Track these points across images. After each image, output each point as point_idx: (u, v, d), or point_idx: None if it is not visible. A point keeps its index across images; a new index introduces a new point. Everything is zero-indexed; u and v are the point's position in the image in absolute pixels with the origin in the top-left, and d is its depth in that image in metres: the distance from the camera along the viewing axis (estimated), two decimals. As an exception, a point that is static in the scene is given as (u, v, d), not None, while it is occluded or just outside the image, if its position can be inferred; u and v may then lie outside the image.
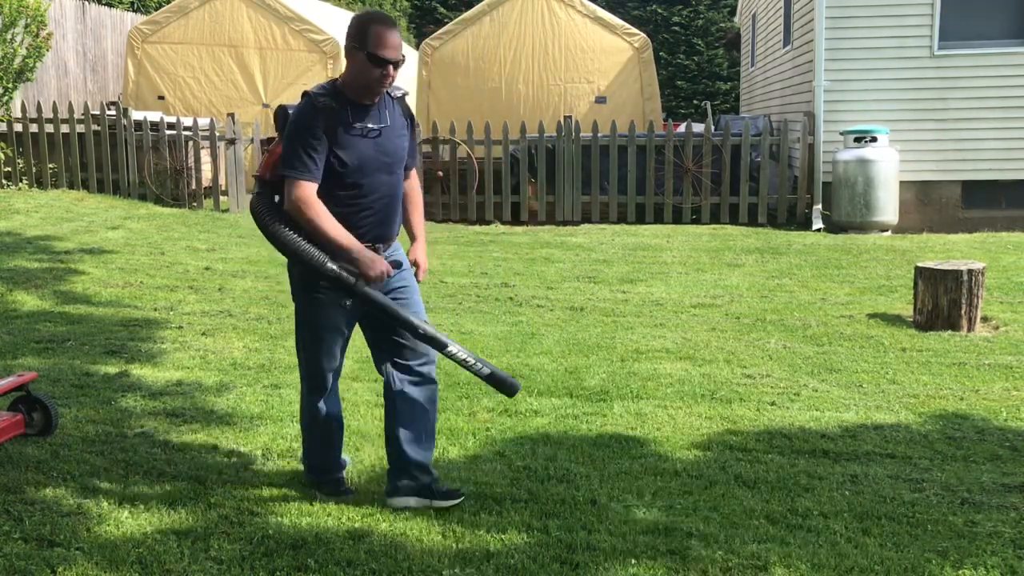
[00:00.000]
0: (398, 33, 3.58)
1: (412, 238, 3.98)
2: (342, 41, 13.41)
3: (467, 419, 4.85)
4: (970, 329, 6.73)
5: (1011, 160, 11.23)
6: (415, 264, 3.91)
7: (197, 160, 12.57)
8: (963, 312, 6.70)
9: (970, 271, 6.72)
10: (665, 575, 3.25)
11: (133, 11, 18.16)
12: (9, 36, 11.99)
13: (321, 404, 3.84)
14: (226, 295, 7.79)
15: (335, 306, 3.64)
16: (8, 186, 12.49)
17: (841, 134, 11.12)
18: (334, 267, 3.52)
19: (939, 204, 11.44)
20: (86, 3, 16.22)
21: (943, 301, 6.73)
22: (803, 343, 6.47)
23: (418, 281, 3.92)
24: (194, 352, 6.09)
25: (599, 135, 12.03)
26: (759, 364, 5.96)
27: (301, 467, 4.12)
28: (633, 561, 3.32)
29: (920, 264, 6.99)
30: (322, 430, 3.89)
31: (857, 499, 3.89)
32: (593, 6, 14.95)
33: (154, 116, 12.84)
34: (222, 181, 12.54)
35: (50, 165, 12.58)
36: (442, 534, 3.53)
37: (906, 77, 11.26)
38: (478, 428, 4.71)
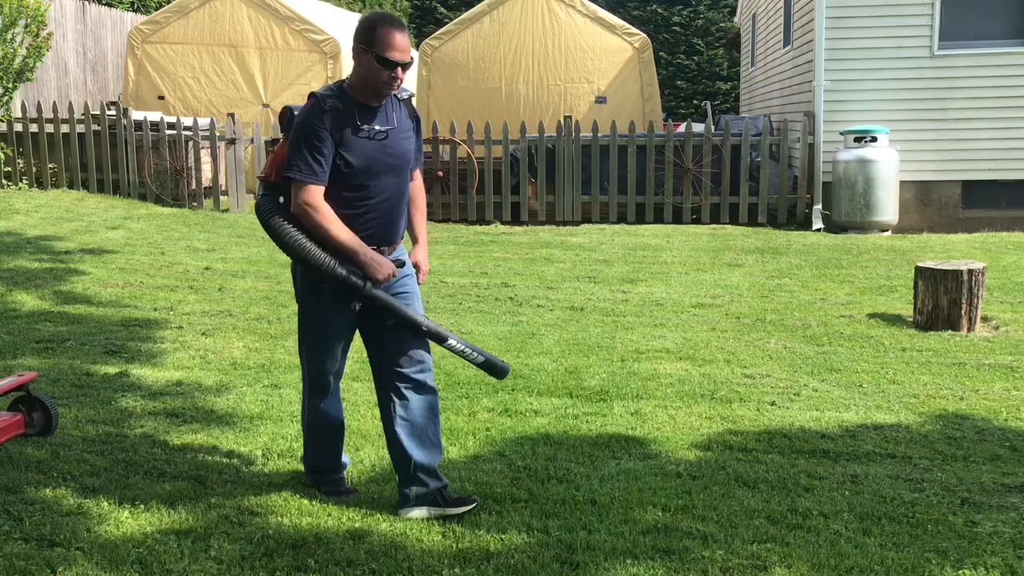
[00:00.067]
0: (407, 35, 3.55)
1: (414, 240, 3.96)
2: (342, 41, 13.36)
3: (467, 419, 4.85)
4: (970, 329, 6.73)
5: (1011, 160, 11.23)
6: (416, 266, 3.89)
7: (197, 160, 12.57)
8: (963, 312, 6.70)
9: (970, 271, 6.72)
10: (665, 575, 3.25)
11: (133, 11, 18.17)
12: (9, 36, 12.00)
13: (323, 406, 3.83)
14: (226, 295, 7.80)
15: (339, 309, 3.62)
16: (8, 186, 12.50)
17: (841, 134, 11.13)
18: (342, 270, 3.51)
19: (939, 204, 11.44)
20: (86, 3, 16.23)
21: (943, 301, 6.73)
22: (803, 343, 6.47)
23: (419, 283, 3.91)
24: (194, 352, 6.09)
25: (599, 135, 12.03)
26: (759, 364, 5.96)
27: (301, 467, 4.12)
28: (633, 561, 3.32)
29: (920, 264, 6.99)
30: (324, 431, 3.88)
31: (857, 499, 3.89)
32: (593, 6, 14.95)
33: (154, 116, 12.84)
34: (222, 181, 12.55)
35: (50, 165, 12.59)
36: (442, 534, 3.53)
37: (906, 77, 11.26)
38: (478, 428, 4.71)
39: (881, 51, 11.27)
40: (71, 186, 12.54)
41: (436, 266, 8.60)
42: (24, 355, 5.92)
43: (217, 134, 12.39)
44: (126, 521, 3.61)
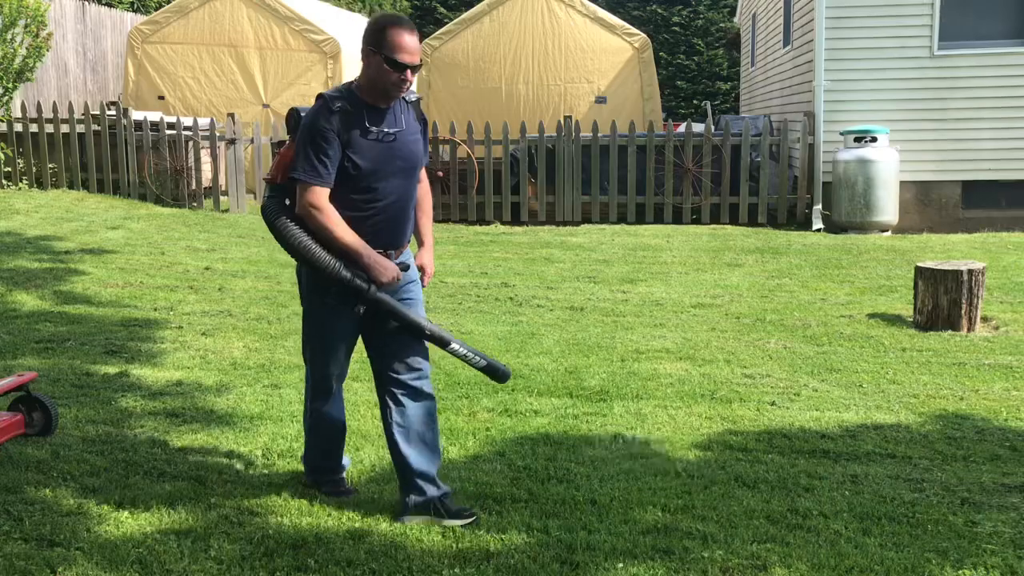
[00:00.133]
0: (416, 37, 3.52)
1: (420, 242, 3.93)
2: (342, 41, 13.34)
3: (467, 419, 4.85)
4: (970, 329, 6.73)
5: (1011, 160, 11.23)
6: (421, 269, 3.86)
7: (197, 160, 12.57)
8: (963, 312, 6.70)
9: (970, 271, 6.72)
10: (665, 575, 3.25)
11: (133, 11, 18.17)
12: (9, 36, 12.00)
13: (326, 408, 3.82)
14: (226, 295, 7.80)
15: (344, 312, 3.59)
16: (8, 186, 12.50)
17: (841, 134, 11.12)
18: (347, 273, 3.47)
19: (939, 204, 11.44)
20: (86, 3, 16.23)
21: (943, 301, 6.73)
22: (803, 343, 6.47)
23: (423, 286, 3.88)
24: (194, 352, 6.09)
25: (599, 135, 12.03)
26: (759, 364, 5.96)
27: (301, 467, 4.12)
28: (633, 561, 3.32)
29: (920, 264, 6.99)
30: (326, 433, 3.87)
31: (857, 499, 3.89)
32: (593, 6, 14.95)
33: (154, 116, 12.84)
34: (222, 181, 12.55)
35: (50, 165, 12.59)
36: (442, 534, 3.53)
37: (906, 77, 11.26)
38: (478, 428, 4.71)
39: (881, 51, 11.27)
40: (71, 186, 12.54)
41: (436, 266, 8.55)
42: (24, 355, 5.92)
43: (217, 134, 12.39)
44: (126, 521, 3.61)
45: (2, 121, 12.43)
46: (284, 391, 5.28)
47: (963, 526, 3.64)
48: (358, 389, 5.26)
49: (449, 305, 7.54)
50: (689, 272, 8.97)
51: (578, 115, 13.87)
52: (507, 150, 12.18)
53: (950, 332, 6.66)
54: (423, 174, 3.82)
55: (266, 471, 4.15)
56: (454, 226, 11.87)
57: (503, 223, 12.09)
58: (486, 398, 5.17)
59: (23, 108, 13.79)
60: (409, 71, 3.48)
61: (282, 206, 3.55)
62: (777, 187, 11.77)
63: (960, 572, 3.28)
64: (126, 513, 3.68)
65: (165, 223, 11.01)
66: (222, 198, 12.54)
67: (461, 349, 3.69)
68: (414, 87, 14.81)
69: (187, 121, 12.70)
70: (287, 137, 3.69)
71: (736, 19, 21.35)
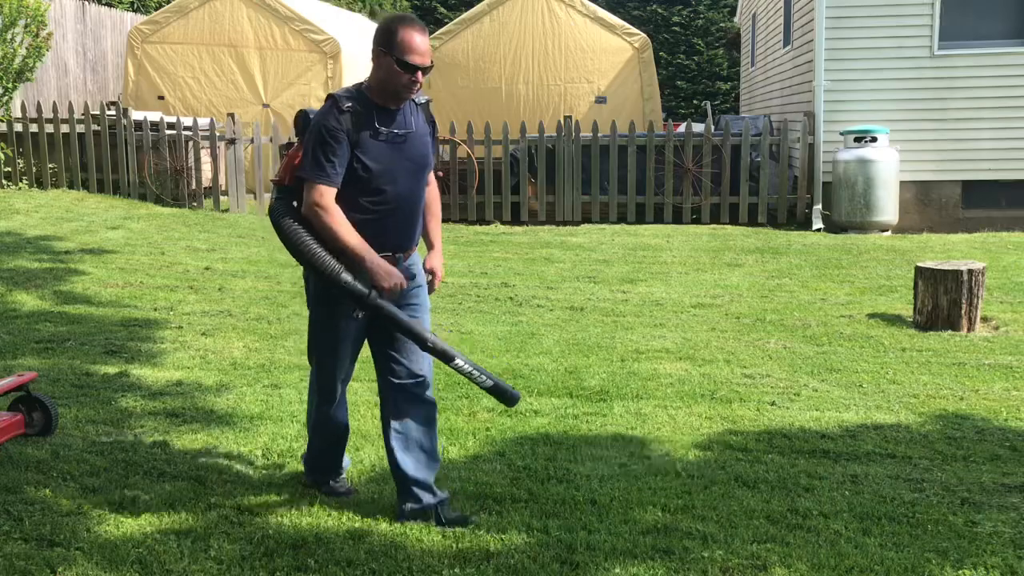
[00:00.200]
0: (427, 38, 3.50)
1: (429, 246, 3.88)
2: (342, 41, 13.33)
3: (467, 419, 4.85)
4: (970, 329, 6.73)
5: (1011, 160, 11.23)
6: (431, 272, 3.82)
7: (197, 160, 12.57)
8: (963, 312, 6.70)
9: (970, 271, 6.72)
10: (665, 575, 3.25)
11: (133, 11, 18.17)
12: (9, 36, 11.99)
13: (331, 410, 3.80)
14: (226, 295, 7.80)
15: (351, 317, 3.56)
16: (8, 186, 12.50)
17: (841, 134, 11.12)
18: (348, 277, 3.42)
19: (939, 204, 11.44)
20: (86, 3, 16.23)
21: (943, 301, 6.73)
22: (803, 343, 6.47)
23: (433, 290, 3.84)
24: (194, 352, 6.09)
25: (599, 135, 12.03)
26: (759, 364, 5.96)
27: (301, 467, 4.12)
28: (633, 561, 3.32)
29: (920, 264, 6.99)
30: (329, 434, 3.86)
31: (857, 499, 3.89)
32: (593, 6, 14.95)
33: (154, 116, 12.84)
34: (222, 181, 12.55)
35: (50, 165, 12.58)
36: (442, 534, 3.53)
37: (906, 77, 11.26)
38: (478, 428, 4.71)
39: (881, 51, 11.27)
40: (71, 186, 12.54)
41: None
42: (24, 355, 5.92)
43: (217, 134, 12.40)
44: (126, 521, 3.61)
45: (2, 121, 12.43)
46: (284, 391, 5.28)
47: (963, 526, 3.64)
48: (358, 389, 5.26)
49: (449, 305, 7.54)
50: (689, 272, 8.97)
51: (578, 115, 13.87)
52: (507, 150, 12.18)
53: (950, 332, 6.66)
54: (431, 177, 3.79)
55: (266, 471, 4.15)
56: (454, 226, 11.87)
57: (503, 223, 12.09)
58: (486, 398, 5.16)
59: (23, 108, 13.80)
60: (420, 72, 3.46)
61: (290, 207, 3.52)
62: (777, 187, 11.77)
63: (960, 572, 3.28)
64: (126, 513, 3.68)
65: (165, 223, 11.01)
66: (222, 198, 12.54)
67: (466, 366, 3.57)
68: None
69: (187, 121, 12.71)
70: (295, 139, 3.66)
71: (736, 19, 21.35)
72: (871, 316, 7.18)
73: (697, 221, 11.85)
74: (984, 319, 6.95)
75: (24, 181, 12.57)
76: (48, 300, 7.36)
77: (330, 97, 3.52)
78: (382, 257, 3.54)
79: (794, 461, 4.33)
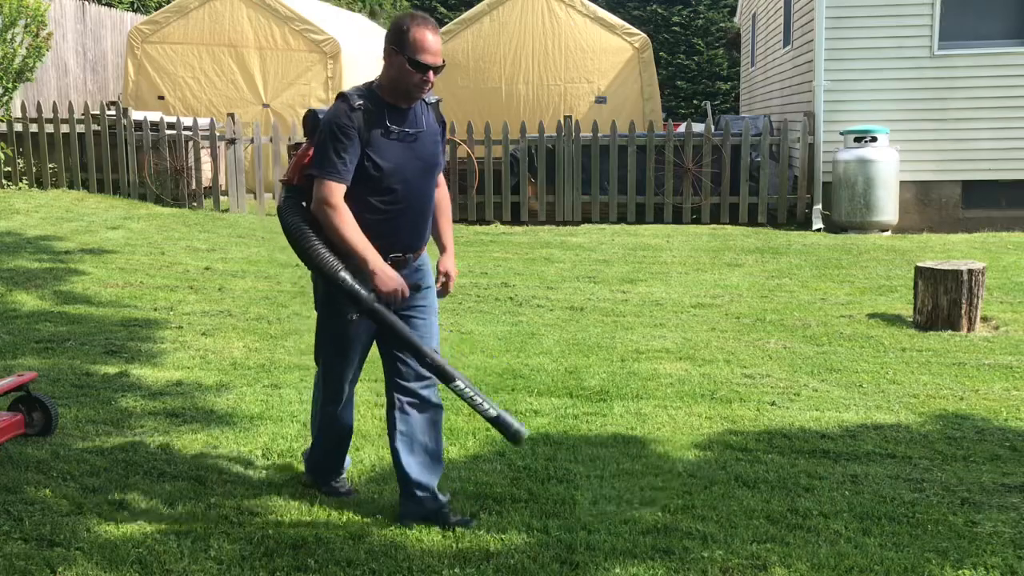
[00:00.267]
0: (439, 37, 3.47)
1: (441, 248, 3.84)
2: (342, 41, 13.32)
3: (467, 419, 4.84)
4: (970, 329, 6.73)
5: (1011, 160, 11.23)
6: (446, 275, 3.78)
7: (197, 160, 12.57)
8: (963, 312, 6.70)
9: (970, 271, 6.72)
10: (665, 575, 3.25)
11: (133, 11, 18.17)
12: (9, 36, 11.99)
13: (338, 412, 3.78)
14: (226, 295, 7.80)
15: (360, 320, 3.51)
16: (8, 186, 12.50)
17: (841, 134, 11.12)
18: (347, 276, 3.39)
19: (939, 204, 11.44)
20: (86, 3, 16.23)
21: (943, 301, 6.73)
22: (803, 343, 6.47)
23: (448, 291, 3.81)
24: (194, 352, 6.09)
25: (599, 135, 12.03)
26: (759, 364, 5.96)
27: (301, 467, 4.12)
28: (633, 561, 3.32)
29: (920, 264, 6.99)
30: (335, 436, 3.85)
31: (857, 499, 3.89)
32: (593, 6, 14.95)
33: (154, 116, 12.84)
34: (222, 181, 12.55)
35: (50, 165, 12.59)
36: (442, 534, 3.53)
37: (906, 77, 11.26)
38: (478, 428, 4.71)
39: (881, 51, 11.27)
40: (71, 186, 12.54)
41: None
42: (24, 355, 5.92)
43: (217, 134, 12.40)
44: (126, 521, 3.61)
45: (2, 121, 12.43)
46: (284, 391, 5.28)
47: (963, 526, 3.64)
48: (358, 389, 5.24)
49: (449, 305, 7.54)
50: (689, 272, 8.97)
51: (578, 115, 13.87)
52: (507, 150, 12.18)
53: (950, 332, 6.66)
54: (441, 177, 3.76)
55: (266, 471, 4.15)
56: (454, 226, 11.85)
57: (503, 223, 12.09)
58: (486, 398, 5.16)
59: (23, 108, 13.80)
60: (431, 72, 3.44)
61: (297, 206, 3.50)
62: (777, 187, 11.77)
63: (960, 572, 3.28)
64: (126, 513, 3.68)
65: (165, 223, 11.01)
66: (222, 198, 12.55)
67: (467, 390, 3.44)
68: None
69: (187, 121, 12.71)
70: (303, 139, 3.64)
71: (736, 19, 21.35)
72: (871, 316, 7.18)
73: (697, 221, 11.85)
74: (984, 319, 6.95)
75: (24, 181, 12.57)
76: (48, 300, 7.36)
77: (341, 95, 3.49)
78: (393, 257, 3.52)
79: (794, 461, 4.33)
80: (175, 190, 12.41)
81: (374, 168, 3.45)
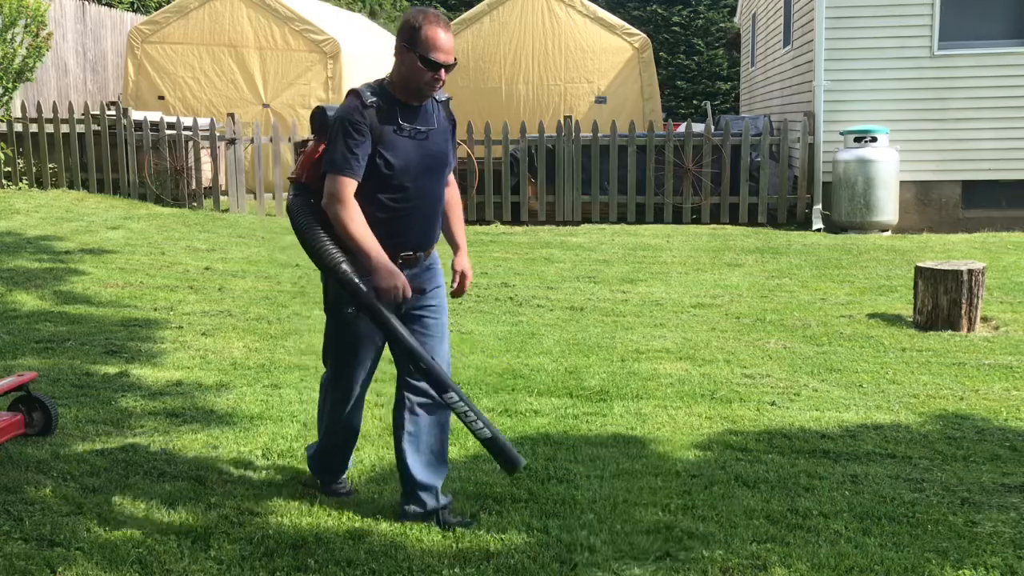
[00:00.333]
0: (451, 34, 3.45)
1: (455, 247, 3.81)
2: (342, 41, 13.32)
3: (467, 419, 4.84)
4: (970, 329, 6.73)
5: (1011, 160, 11.23)
6: (461, 274, 3.76)
7: (197, 160, 12.57)
8: (963, 312, 6.70)
9: (970, 271, 6.72)
10: (665, 575, 3.25)
11: (133, 11, 18.17)
12: (9, 36, 11.99)
13: (347, 414, 3.75)
14: (226, 295, 7.80)
15: (362, 317, 3.46)
16: (8, 186, 12.50)
17: (841, 134, 11.12)
18: (347, 268, 3.36)
19: (939, 204, 11.44)
20: (86, 3, 16.23)
21: (943, 301, 6.73)
22: (803, 343, 6.47)
23: (464, 290, 3.79)
24: (194, 352, 6.09)
25: (599, 135, 12.03)
26: (759, 364, 5.96)
27: (301, 467, 4.12)
28: (633, 561, 3.32)
29: (920, 264, 6.99)
30: (341, 437, 3.82)
31: (857, 499, 3.89)
32: (593, 6, 14.95)
33: (154, 116, 12.84)
34: (222, 181, 12.55)
35: (50, 165, 12.59)
36: (442, 534, 3.53)
37: (906, 77, 11.26)
38: (478, 428, 4.70)
39: (881, 51, 11.27)
40: (71, 186, 12.54)
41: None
42: (24, 355, 5.92)
43: (217, 134, 12.40)
44: (126, 521, 3.61)
45: (2, 121, 12.43)
46: (284, 391, 5.28)
47: (963, 526, 3.64)
48: (358, 389, 5.26)
49: (449, 305, 7.52)
50: (689, 272, 8.97)
51: (578, 115, 13.87)
52: (507, 150, 12.18)
53: (950, 332, 6.66)
54: (451, 177, 3.74)
55: (266, 471, 4.15)
56: (454, 226, 11.86)
57: (503, 223, 12.09)
58: (486, 398, 5.17)
59: (23, 108, 13.79)
60: (443, 70, 3.42)
61: (306, 204, 3.48)
62: (777, 187, 11.77)
63: (960, 572, 3.28)
64: (126, 513, 3.68)
65: (165, 223, 11.01)
66: (222, 198, 12.55)
67: (461, 404, 3.38)
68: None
69: (187, 121, 12.71)
70: (307, 138, 3.62)
71: (736, 19, 21.35)
72: (871, 316, 7.18)
73: (697, 221, 11.85)
74: (984, 319, 6.95)
75: (24, 181, 12.57)
76: (48, 300, 7.36)
77: (353, 91, 3.47)
78: (404, 256, 3.51)
79: (794, 461, 4.33)
80: (175, 190, 12.41)
81: (385, 166, 3.43)
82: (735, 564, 3.31)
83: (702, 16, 25.03)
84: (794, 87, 12.89)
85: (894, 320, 7.05)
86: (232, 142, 12.41)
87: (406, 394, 3.63)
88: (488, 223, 12.09)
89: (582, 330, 6.80)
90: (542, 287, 8.34)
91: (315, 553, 3.36)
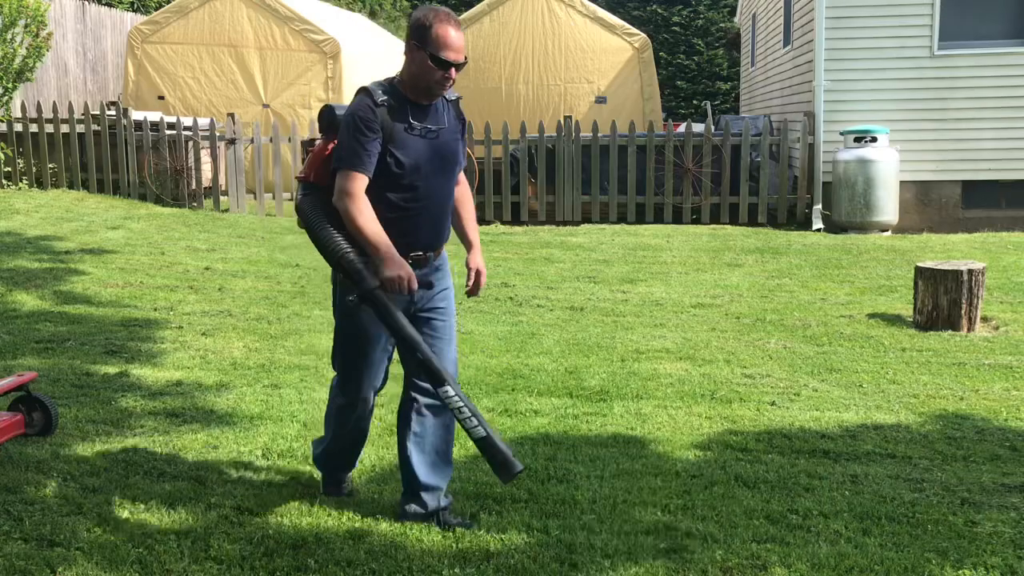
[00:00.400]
0: (462, 33, 3.43)
1: (468, 246, 3.78)
2: (342, 41, 13.33)
3: (467, 419, 4.84)
4: (970, 329, 6.73)
5: (1011, 160, 11.23)
6: (477, 272, 3.74)
7: (197, 160, 12.57)
8: (963, 312, 6.70)
9: (970, 271, 6.72)
10: (665, 575, 3.25)
11: (133, 11, 18.17)
12: (9, 36, 11.99)
13: (356, 416, 3.71)
14: (226, 295, 7.80)
15: (372, 317, 3.44)
16: (8, 186, 12.50)
17: (841, 134, 11.12)
18: (352, 256, 3.35)
19: (939, 204, 11.44)
20: (86, 3, 16.22)
21: (943, 301, 6.73)
22: (803, 343, 6.47)
23: (480, 287, 3.75)
24: (194, 352, 6.09)
25: (599, 135, 12.03)
26: (759, 364, 5.96)
27: (301, 467, 4.12)
28: (633, 561, 3.32)
29: (920, 264, 6.99)
30: (349, 439, 3.80)
31: (857, 499, 3.89)
32: (593, 6, 14.95)
33: (154, 116, 12.84)
34: (222, 181, 12.55)
35: (50, 165, 12.59)
36: (442, 534, 3.53)
37: (906, 77, 11.26)
38: (478, 428, 4.70)
39: (881, 51, 11.27)
40: (71, 186, 12.54)
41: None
42: (24, 355, 5.92)
43: (217, 134, 12.40)
44: (126, 521, 3.61)
45: (2, 121, 12.43)
46: (284, 391, 5.28)
47: (963, 526, 3.64)
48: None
49: (449, 305, 7.54)
50: (689, 272, 8.97)
51: (578, 115, 13.87)
52: (507, 150, 12.18)
53: (950, 332, 6.66)
54: (461, 176, 3.72)
55: (266, 471, 4.15)
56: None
57: (503, 223, 12.09)
58: (486, 398, 5.17)
59: (23, 108, 13.79)
60: (454, 69, 3.41)
61: (316, 201, 3.46)
62: (777, 187, 11.77)
63: (960, 572, 3.28)
64: (126, 513, 3.68)
65: (165, 223, 11.01)
66: (222, 198, 12.55)
67: (457, 400, 3.35)
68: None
69: (187, 121, 12.70)
70: (320, 136, 3.61)
71: (736, 19, 21.35)
72: (871, 316, 7.18)
73: (697, 221, 11.85)
74: (984, 319, 6.95)
75: (24, 181, 12.57)
76: (48, 300, 7.36)
77: (364, 89, 3.46)
78: (414, 256, 3.49)
79: (794, 461, 4.33)
80: (175, 190, 12.41)
81: (396, 164, 3.41)
82: (735, 564, 3.31)
83: (702, 16, 25.03)
84: (794, 87, 12.90)
85: (894, 320, 7.05)
86: (232, 142, 12.41)
87: (414, 395, 3.61)
88: (488, 223, 12.08)
89: (582, 330, 6.80)
90: (542, 287, 8.34)
91: (315, 553, 3.36)
